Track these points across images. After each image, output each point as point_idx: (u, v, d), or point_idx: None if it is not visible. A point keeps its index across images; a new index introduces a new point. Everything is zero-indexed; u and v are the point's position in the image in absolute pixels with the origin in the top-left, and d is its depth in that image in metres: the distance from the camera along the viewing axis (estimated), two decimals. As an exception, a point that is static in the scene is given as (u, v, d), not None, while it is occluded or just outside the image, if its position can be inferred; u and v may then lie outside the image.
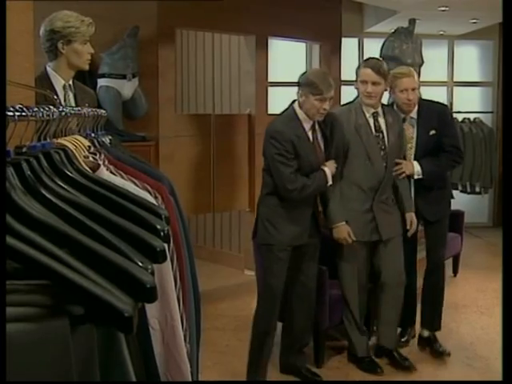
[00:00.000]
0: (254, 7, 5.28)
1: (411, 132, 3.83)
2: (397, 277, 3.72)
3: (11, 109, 1.21)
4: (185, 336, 1.75)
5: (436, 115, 3.84)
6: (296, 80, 3.43)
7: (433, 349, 3.96)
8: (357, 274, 3.69)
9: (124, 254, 1.05)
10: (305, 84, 3.34)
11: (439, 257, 3.95)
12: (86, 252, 1.00)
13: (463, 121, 7.45)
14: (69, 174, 1.33)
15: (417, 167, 3.76)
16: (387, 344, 3.82)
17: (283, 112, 3.48)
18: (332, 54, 6.11)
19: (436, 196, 3.90)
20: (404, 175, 3.74)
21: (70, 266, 0.93)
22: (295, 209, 3.41)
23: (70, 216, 1.12)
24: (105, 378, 0.98)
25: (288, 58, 6.21)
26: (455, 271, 5.82)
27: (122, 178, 1.69)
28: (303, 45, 6.23)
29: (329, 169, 3.41)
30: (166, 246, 1.20)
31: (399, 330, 4.03)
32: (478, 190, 7.45)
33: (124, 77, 4.42)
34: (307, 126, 3.39)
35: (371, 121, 3.61)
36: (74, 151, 1.49)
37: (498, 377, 2.40)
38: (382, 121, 3.64)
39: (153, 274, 1.05)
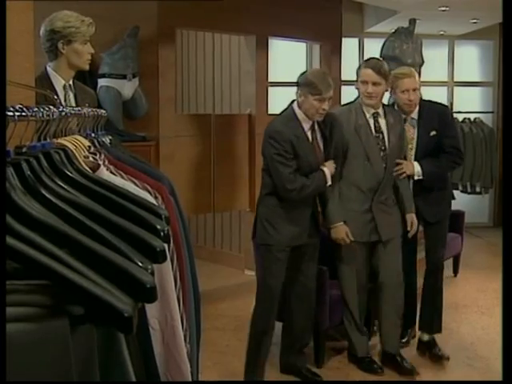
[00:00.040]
0: (254, 7, 5.28)
1: (412, 133, 3.82)
2: (395, 277, 3.70)
3: (11, 109, 1.21)
4: (185, 336, 1.75)
5: (437, 116, 3.83)
6: (296, 80, 3.43)
7: (432, 353, 3.92)
8: (356, 275, 3.68)
9: (124, 254, 1.05)
10: (304, 84, 3.33)
11: (439, 258, 3.93)
12: (85, 252, 1.00)
13: (463, 121, 7.45)
14: (69, 174, 1.33)
15: (417, 168, 3.75)
16: (390, 349, 3.77)
17: (282, 112, 3.48)
18: (332, 54, 6.11)
19: (436, 197, 3.89)
20: (404, 175, 3.73)
21: (70, 266, 0.93)
22: (294, 209, 3.41)
23: (69, 216, 1.12)
24: (105, 378, 0.98)
25: (288, 58, 6.21)
26: (456, 271, 5.82)
27: (122, 178, 1.69)
28: (303, 45, 6.23)
29: (328, 169, 3.41)
30: (165, 246, 1.20)
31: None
32: (478, 190, 7.45)
33: (124, 77, 4.42)
34: (306, 126, 3.39)
35: (371, 121, 3.60)
36: (74, 151, 1.49)
37: (499, 377, 2.40)
38: (382, 121, 3.62)
39: (153, 274, 1.05)
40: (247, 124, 5.51)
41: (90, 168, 1.53)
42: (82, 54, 2.92)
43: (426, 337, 3.97)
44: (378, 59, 3.76)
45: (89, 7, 3.55)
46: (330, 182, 3.42)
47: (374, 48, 6.43)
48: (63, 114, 1.56)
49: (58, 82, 2.89)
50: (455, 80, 7.90)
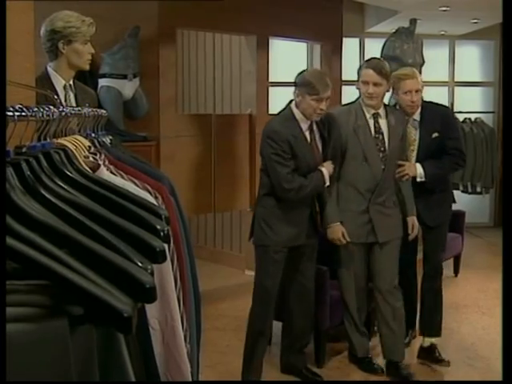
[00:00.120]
0: (254, 7, 5.28)
1: (413, 134, 3.79)
2: (390, 280, 3.63)
3: (11, 109, 1.21)
4: (185, 336, 1.75)
5: (439, 117, 3.80)
6: (294, 80, 3.40)
7: (433, 357, 3.86)
8: (354, 276, 3.66)
9: (124, 255, 1.05)
10: (301, 84, 3.32)
11: (438, 261, 3.89)
12: (85, 252, 1.00)
13: (464, 121, 7.45)
14: (69, 174, 1.33)
15: (419, 169, 3.69)
16: (392, 356, 3.69)
17: (280, 112, 3.47)
18: (333, 54, 6.11)
19: (437, 199, 3.85)
20: (407, 177, 3.68)
21: (70, 267, 0.93)
22: (292, 210, 3.40)
23: (69, 216, 1.12)
24: (104, 378, 0.98)
25: (289, 58, 6.21)
26: (456, 271, 5.82)
27: (123, 178, 1.69)
28: (304, 45, 6.23)
29: (326, 169, 3.39)
30: (165, 246, 1.20)
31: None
32: (479, 190, 7.45)
33: (125, 77, 4.43)
34: (304, 126, 3.37)
35: (371, 122, 3.57)
36: (74, 151, 1.49)
37: (499, 377, 2.40)
38: (382, 122, 3.58)
39: (152, 274, 1.05)
40: (248, 124, 5.51)
41: (90, 168, 1.53)
42: (83, 54, 2.92)
43: (427, 342, 3.89)
44: (379, 59, 3.73)
45: (89, 7, 3.56)
46: (328, 183, 3.40)
47: (374, 48, 6.43)
48: (63, 114, 1.56)
49: (59, 82, 2.89)
50: (456, 80, 7.90)
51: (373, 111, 3.57)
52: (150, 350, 1.60)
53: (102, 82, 4.40)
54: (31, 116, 1.29)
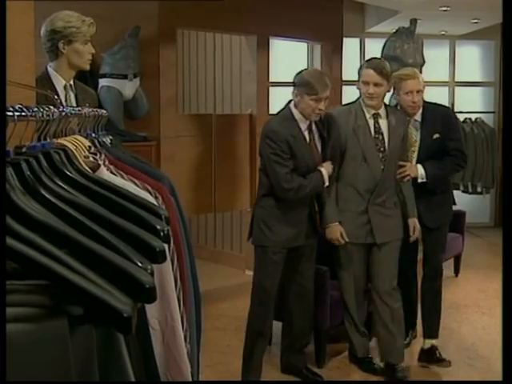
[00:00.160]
0: (255, 7, 5.28)
1: (415, 135, 3.76)
2: (388, 282, 3.60)
3: (11, 109, 1.21)
4: (185, 336, 1.75)
5: (440, 118, 3.77)
6: (292, 80, 3.39)
7: (434, 358, 3.82)
8: (353, 277, 3.64)
9: (123, 255, 1.05)
10: (300, 84, 3.31)
11: (438, 262, 3.87)
12: (85, 252, 1.00)
13: (465, 121, 7.44)
14: (68, 174, 1.33)
15: (421, 170, 3.67)
16: (389, 358, 3.67)
17: (279, 112, 3.46)
18: (333, 53, 6.11)
19: (438, 201, 3.82)
20: (408, 178, 3.65)
21: (70, 267, 0.93)
22: (291, 210, 3.39)
23: (69, 216, 1.12)
24: (104, 378, 0.98)
25: (289, 57, 6.20)
26: (456, 271, 5.82)
27: (123, 178, 1.69)
28: (304, 45, 6.22)
29: (325, 170, 3.37)
30: (165, 246, 1.20)
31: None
32: (479, 190, 7.45)
33: (125, 77, 4.43)
34: (303, 126, 3.36)
35: (371, 122, 3.54)
36: (74, 151, 1.49)
37: (500, 377, 2.40)
38: (383, 122, 3.55)
39: (152, 274, 1.05)
40: (248, 124, 5.51)
41: (90, 168, 1.53)
42: (83, 54, 2.92)
43: (427, 344, 3.86)
44: (379, 59, 3.71)
45: (90, 7, 3.56)
46: (327, 183, 3.39)
47: (375, 48, 6.43)
48: (63, 114, 1.56)
49: (59, 82, 2.89)
50: (456, 80, 7.90)
51: (373, 111, 3.55)
52: (150, 350, 1.60)
53: (103, 81, 4.40)
54: (31, 116, 1.29)
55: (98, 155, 1.65)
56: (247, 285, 3.66)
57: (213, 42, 6.23)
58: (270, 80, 5.67)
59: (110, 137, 2.08)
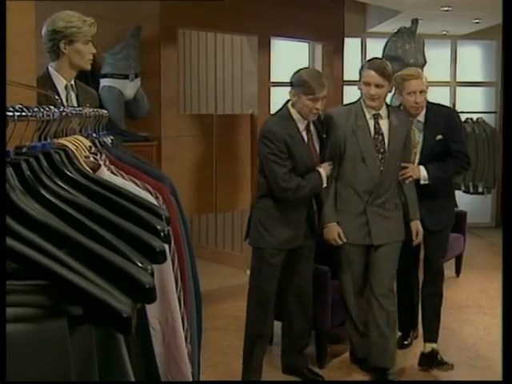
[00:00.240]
0: (256, 7, 5.28)
1: (417, 136, 3.70)
2: (385, 284, 3.56)
3: (11, 109, 1.21)
4: (186, 336, 1.75)
5: (443, 120, 3.71)
6: (290, 79, 3.38)
7: (435, 362, 3.79)
8: (353, 278, 3.62)
9: (123, 255, 1.04)
10: (297, 84, 3.29)
11: (439, 266, 3.83)
12: (85, 253, 1.00)
13: (466, 121, 7.43)
14: (69, 174, 1.33)
15: (423, 172, 3.61)
16: (376, 362, 3.62)
17: (277, 112, 3.45)
18: (334, 54, 6.11)
19: (441, 204, 3.77)
20: (410, 180, 3.61)
21: (69, 267, 0.92)
22: (289, 212, 3.37)
23: (69, 216, 1.12)
24: (104, 379, 0.98)
25: (290, 58, 6.20)
26: (458, 271, 5.81)
27: (123, 178, 1.69)
28: (306, 45, 6.22)
29: (324, 170, 3.36)
30: (166, 246, 1.20)
31: (399, 333, 3.98)
32: (480, 190, 7.44)
33: (126, 77, 4.42)
34: (301, 126, 3.35)
35: (371, 122, 3.50)
36: (75, 151, 1.49)
37: (501, 377, 2.39)
38: (383, 123, 3.50)
39: (152, 274, 1.05)
40: (249, 124, 5.50)
41: (91, 168, 1.53)
42: (84, 54, 2.92)
43: (428, 348, 3.82)
44: (381, 60, 3.66)
45: (91, 7, 3.55)
46: (325, 184, 3.38)
47: (376, 48, 6.43)
48: (64, 114, 1.56)
49: (60, 82, 2.89)
50: (458, 80, 7.89)
51: (373, 112, 3.50)
52: (151, 351, 1.60)
53: (104, 82, 4.40)
54: (31, 116, 1.28)
55: (99, 155, 1.65)
56: (248, 285, 3.66)
57: (214, 42, 6.23)
58: (271, 80, 5.67)
59: (111, 137, 2.07)
